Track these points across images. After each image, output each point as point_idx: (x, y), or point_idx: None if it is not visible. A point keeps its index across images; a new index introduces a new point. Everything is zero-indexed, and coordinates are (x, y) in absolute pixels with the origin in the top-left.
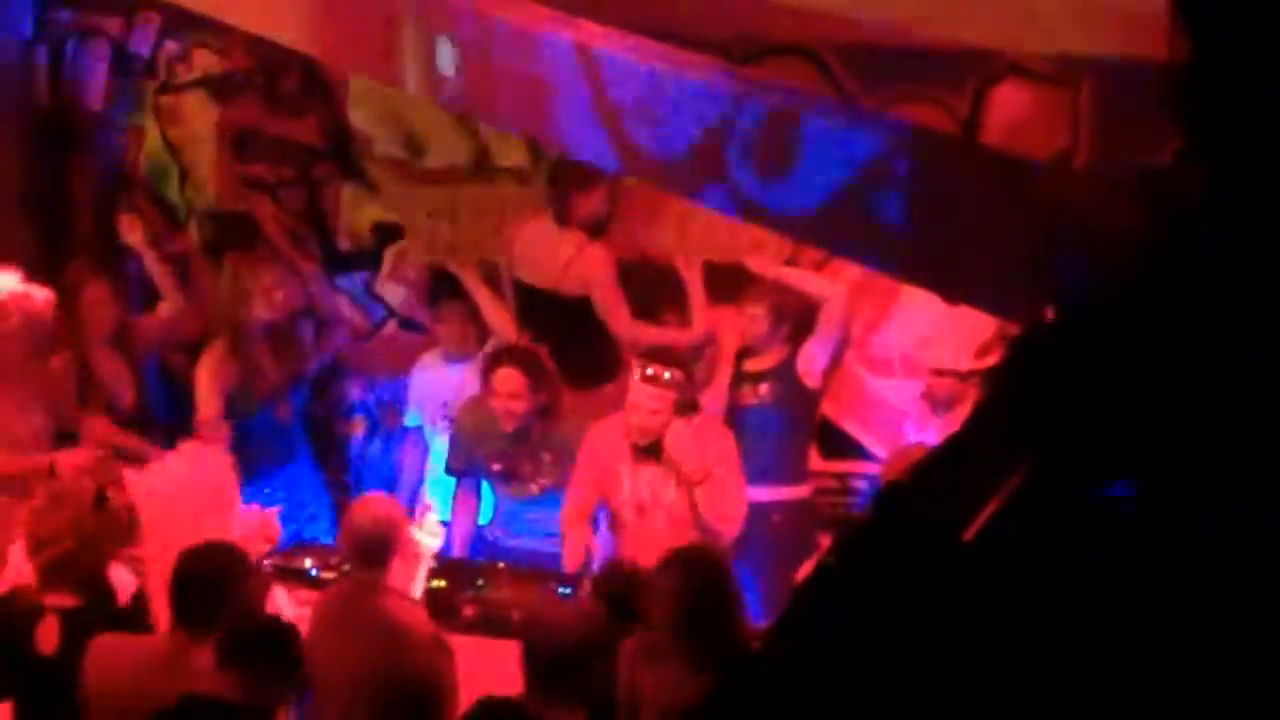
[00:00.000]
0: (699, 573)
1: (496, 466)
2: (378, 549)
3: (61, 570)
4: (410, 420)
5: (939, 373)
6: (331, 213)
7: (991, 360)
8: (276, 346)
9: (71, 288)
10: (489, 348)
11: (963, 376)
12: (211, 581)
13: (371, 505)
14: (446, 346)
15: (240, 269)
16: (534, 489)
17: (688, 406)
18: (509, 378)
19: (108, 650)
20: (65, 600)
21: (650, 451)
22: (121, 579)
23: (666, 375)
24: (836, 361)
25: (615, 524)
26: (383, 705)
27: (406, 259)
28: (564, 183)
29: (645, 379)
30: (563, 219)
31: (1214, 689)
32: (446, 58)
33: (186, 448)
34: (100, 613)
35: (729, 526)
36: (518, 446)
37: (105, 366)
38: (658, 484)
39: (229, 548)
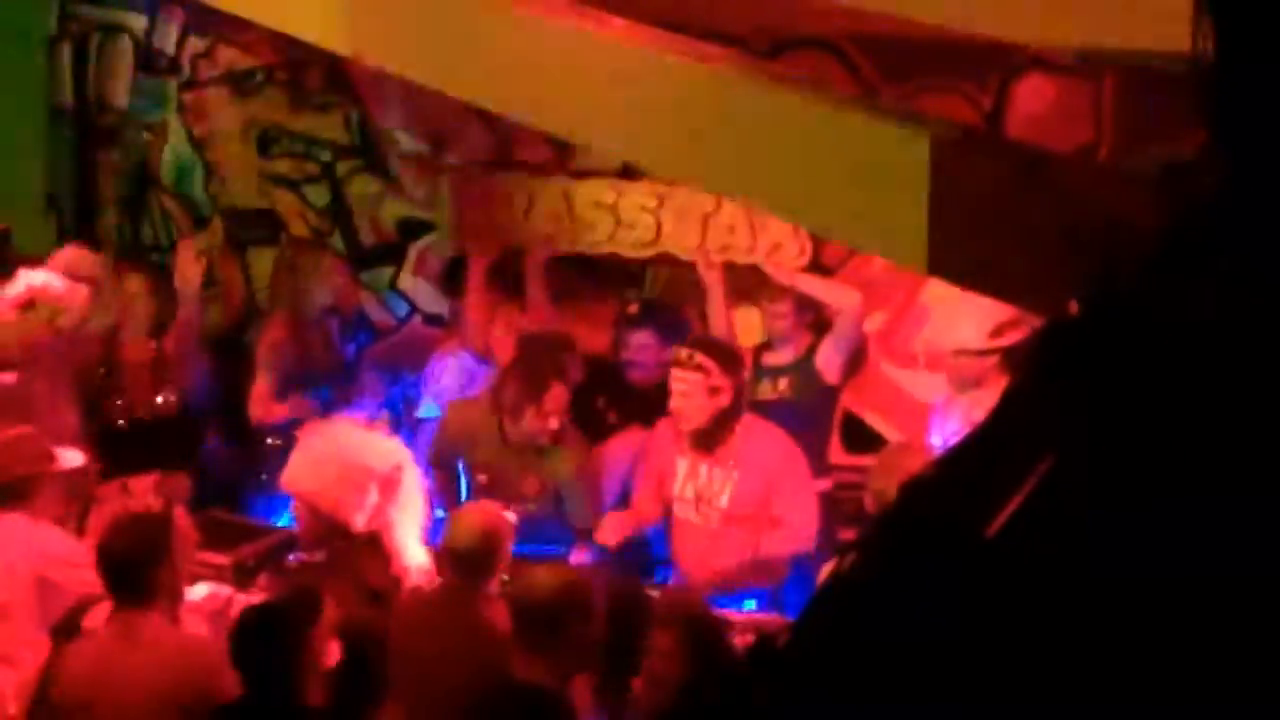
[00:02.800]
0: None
1: (481, 478)
2: (480, 559)
3: None
4: (425, 411)
5: (959, 353)
6: (356, 208)
7: (1009, 339)
8: (325, 334)
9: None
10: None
11: (981, 354)
12: (139, 554)
13: (476, 514)
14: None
15: (299, 255)
16: (518, 509)
17: (731, 410)
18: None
19: (70, 655)
20: None
21: (703, 444)
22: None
23: (696, 359)
24: (856, 360)
25: (672, 518)
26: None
27: (431, 254)
28: None
29: (675, 362)
30: None
31: (1243, 692)
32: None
33: None
34: None
35: (802, 541)
36: (508, 462)
37: (140, 361)
38: (718, 478)
39: (155, 517)
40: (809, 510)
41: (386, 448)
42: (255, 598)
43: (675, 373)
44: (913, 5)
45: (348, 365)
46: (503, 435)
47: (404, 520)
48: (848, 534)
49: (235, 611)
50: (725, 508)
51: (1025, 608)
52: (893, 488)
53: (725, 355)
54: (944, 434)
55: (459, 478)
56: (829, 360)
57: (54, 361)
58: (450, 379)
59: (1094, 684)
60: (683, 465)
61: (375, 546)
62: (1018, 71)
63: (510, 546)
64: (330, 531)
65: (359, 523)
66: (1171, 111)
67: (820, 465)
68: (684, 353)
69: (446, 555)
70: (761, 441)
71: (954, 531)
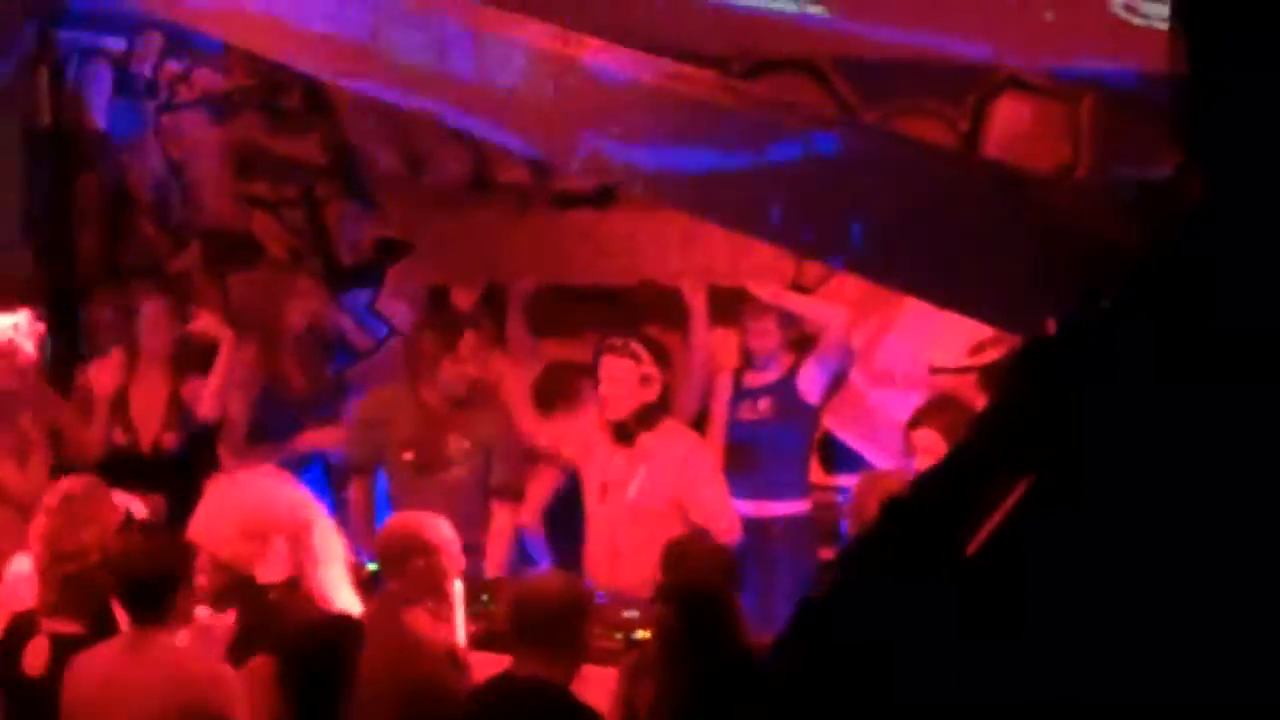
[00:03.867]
0: (691, 603)
1: (408, 455)
2: (401, 562)
3: (74, 589)
4: None
5: (936, 371)
6: (334, 230)
7: (986, 357)
8: (301, 357)
9: (130, 305)
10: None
11: (958, 371)
12: (161, 574)
13: (395, 522)
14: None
15: (274, 278)
16: (440, 478)
17: (658, 405)
18: (620, 365)
19: (81, 664)
20: (66, 626)
21: (624, 435)
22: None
23: (630, 348)
24: (837, 381)
25: (585, 507)
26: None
27: (410, 276)
28: None
29: (608, 349)
30: None
31: (1219, 704)
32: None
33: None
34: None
35: (726, 534)
36: (431, 429)
37: (151, 387)
38: (626, 469)
39: (174, 539)
40: (723, 513)
41: (294, 499)
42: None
43: (607, 360)
44: (889, 28)
45: (325, 387)
46: (421, 402)
47: (324, 571)
48: (827, 553)
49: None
50: (632, 498)
51: (1005, 627)
52: (873, 509)
53: (657, 348)
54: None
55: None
56: (812, 380)
57: (21, 407)
58: None
59: (1075, 700)
60: (595, 456)
61: (296, 594)
62: (995, 92)
63: (445, 555)
64: (233, 585)
65: (264, 575)
66: (1148, 132)
67: (801, 486)
68: (618, 341)
69: (381, 567)
70: (676, 440)
71: (933, 550)
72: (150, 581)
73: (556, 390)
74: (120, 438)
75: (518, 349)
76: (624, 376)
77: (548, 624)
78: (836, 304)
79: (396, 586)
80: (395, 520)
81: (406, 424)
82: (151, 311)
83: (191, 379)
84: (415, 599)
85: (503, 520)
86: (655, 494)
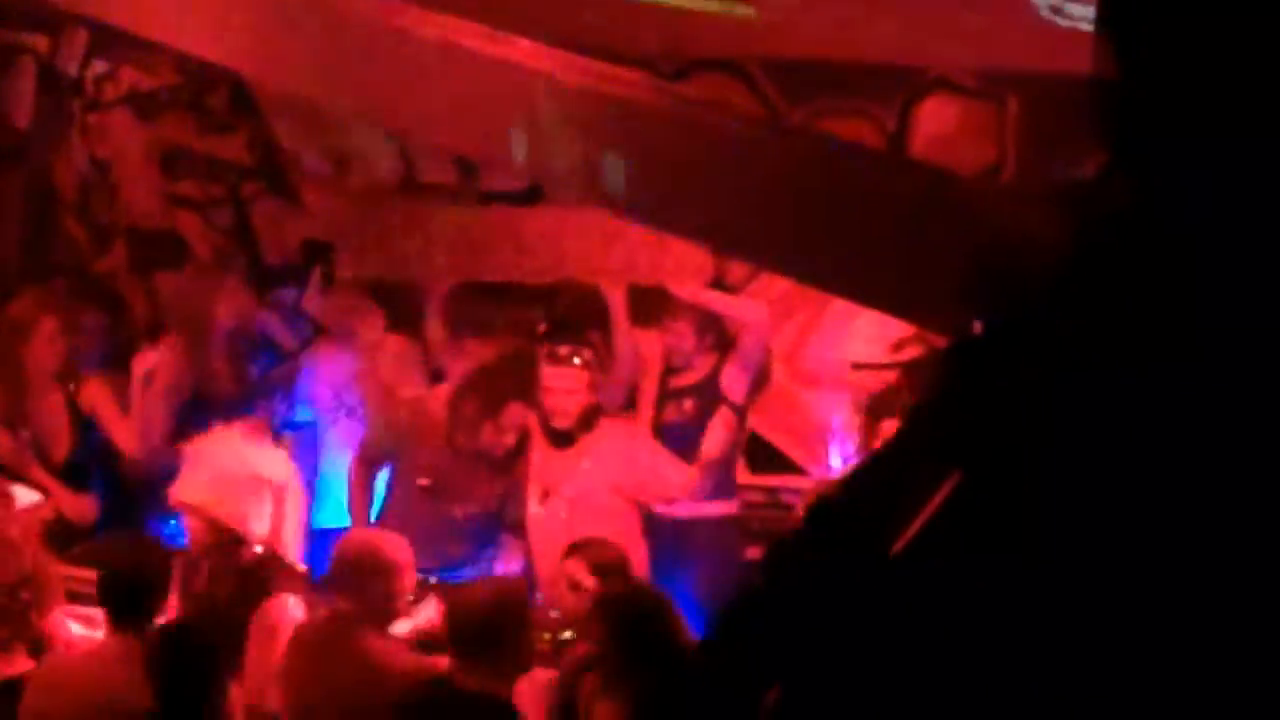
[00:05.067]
0: (629, 616)
1: (423, 481)
2: (364, 584)
3: (10, 624)
4: (300, 415)
5: (858, 366)
6: (260, 230)
7: (908, 354)
8: (229, 357)
9: (19, 325)
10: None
11: (880, 367)
12: (146, 581)
13: (362, 540)
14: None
15: (201, 275)
16: (457, 512)
17: (597, 406)
18: (568, 375)
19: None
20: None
21: (564, 439)
22: (65, 632)
23: (575, 359)
24: (759, 380)
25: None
26: None
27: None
28: None
29: (552, 359)
30: None
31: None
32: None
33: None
34: None
35: (681, 489)
36: (457, 468)
37: (45, 406)
38: (565, 471)
39: (154, 545)
40: (669, 476)
41: (277, 457)
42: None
43: (554, 370)
44: (816, 28)
45: (250, 387)
46: (452, 443)
47: (288, 531)
48: (755, 553)
49: None
50: (573, 496)
51: (932, 624)
52: None
53: (593, 349)
54: (843, 455)
55: (377, 477)
56: (733, 380)
57: None
58: (334, 376)
59: (1001, 703)
60: (534, 461)
61: (273, 557)
62: (921, 93)
63: (407, 576)
64: (225, 543)
65: (258, 531)
66: (1074, 132)
67: (727, 487)
68: (563, 350)
69: (327, 580)
70: (615, 430)
71: (858, 550)
72: (137, 588)
73: (493, 394)
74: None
75: (437, 348)
76: (572, 387)
77: (481, 631)
78: (756, 302)
79: (349, 605)
80: (358, 538)
81: (430, 449)
82: (45, 331)
83: (88, 381)
84: (368, 620)
85: (514, 553)
86: (597, 488)
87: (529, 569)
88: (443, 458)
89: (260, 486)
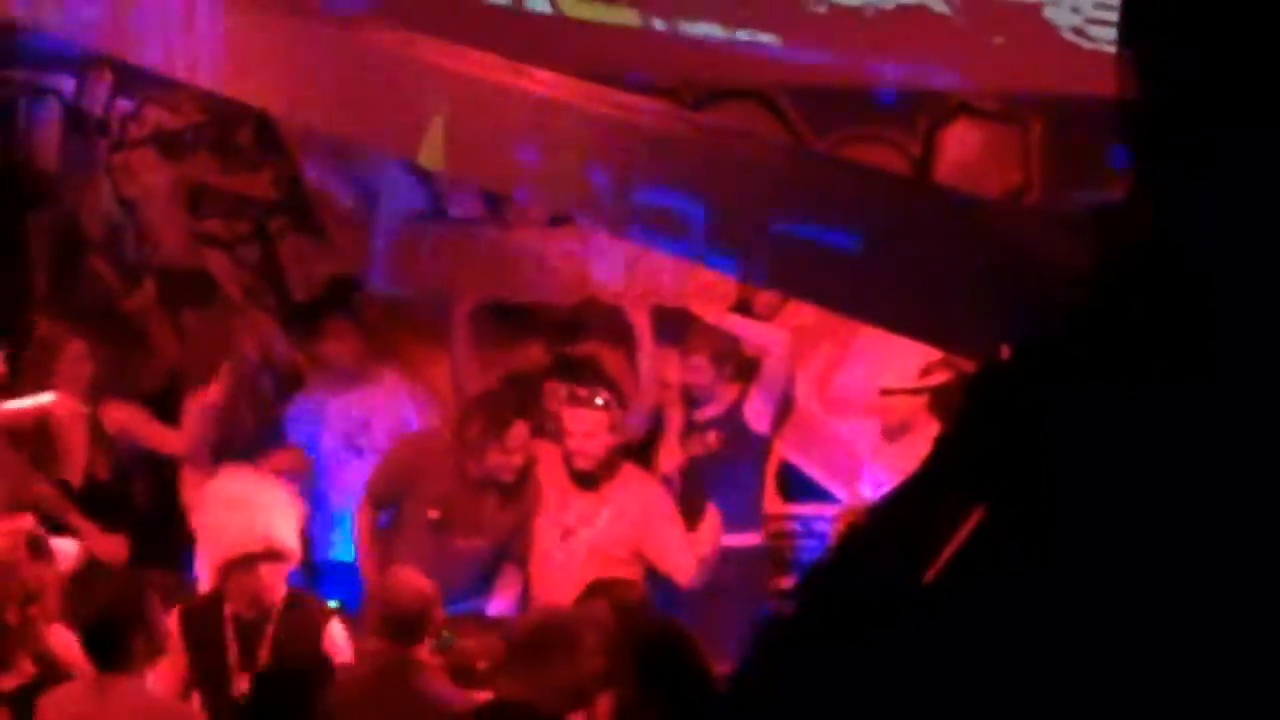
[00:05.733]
0: (655, 650)
1: (433, 514)
2: (413, 625)
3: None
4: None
5: (886, 392)
6: (287, 266)
7: (936, 379)
8: (253, 391)
9: (48, 344)
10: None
11: (909, 393)
12: (119, 617)
13: (406, 580)
14: (337, 365)
15: (228, 314)
16: (463, 545)
17: (620, 448)
18: (590, 418)
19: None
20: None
21: (587, 481)
22: (65, 640)
23: (597, 400)
24: (784, 408)
25: (535, 549)
26: None
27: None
28: None
29: (573, 401)
30: None
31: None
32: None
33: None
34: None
35: (683, 576)
36: (466, 497)
37: (70, 429)
38: (587, 513)
39: (134, 580)
40: (682, 557)
41: (286, 500)
42: None
43: (575, 413)
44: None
45: (273, 421)
46: (462, 471)
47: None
48: (785, 582)
49: None
50: (591, 541)
51: (966, 651)
52: None
53: (620, 394)
54: (874, 483)
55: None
56: (758, 410)
57: None
58: (347, 412)
59: None
60: (554, 499)
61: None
62: (946, 118)
63: (439, 610)
64: (285, 605)
65: (290, 559)
66: (1099, 155)
67: (752, 518)
68: (583, 392)
69: (375, 622)
70: (637, 486)
71: (891, 577)
72: (108, 627)
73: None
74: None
75: (463, 364)
76: (594, 430)
77: (528, 660)
78: (777, 328)
79: (405, 651)
80: (410, 581)
81: (440, 481)
82: (72, 352)
83: (111, 404)
84: (413, 658)
85: (512, 582)
86: (616, 540)
87: (526, 601)
88: (452, 489)
89: (278, 522)
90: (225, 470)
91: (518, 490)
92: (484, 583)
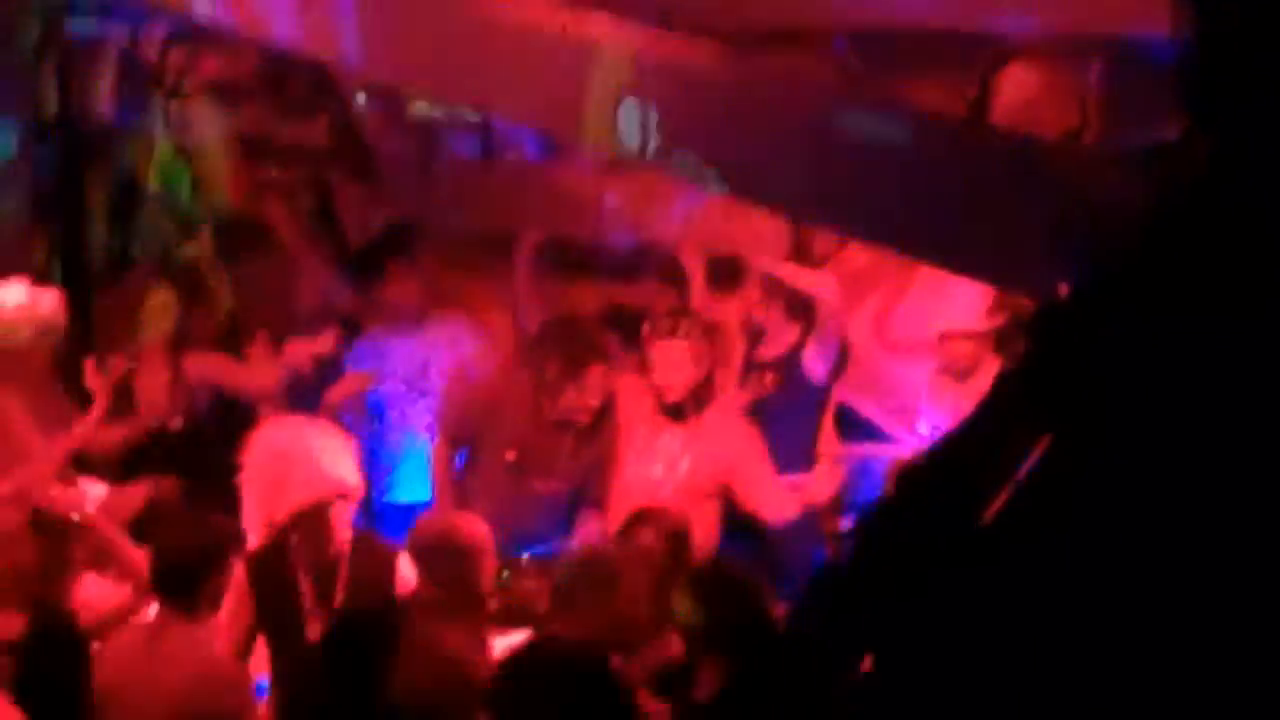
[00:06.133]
0: (721, 590)
1: (509, 454)
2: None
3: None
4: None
5: (948, 336)
6: (343, 213)
7: (994, 322)
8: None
9: (135, 292)
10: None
11: (971, 337)
12: (193, 559)
13: (436, 521)
14: (399, 308)
15: (285, 261)
16: (541, 488)
17: (707, 381)
18: (674, 349)
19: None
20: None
21: (678, 414)
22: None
23: (680, 331)
24: (840, 356)
25: (617, 486)
26: None
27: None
28: None
29: (657, 334)
30: None
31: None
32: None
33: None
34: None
35: (773, 514)
36: (542, 439)
37: (151, 378)
38: (675, 448)
39: (211, 525)
40: (772, 496)
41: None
42: None
43: (662, 344)
44: None
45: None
46: (537, 406)
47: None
48: (842, 523)
49: None
50: (679, 476)
51: (1024, 591)
52: None
53: (704, 326)
54: (931, 422)
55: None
56: (814, 358)
57: (35, 377)
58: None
59: (1094, 667)
60: (641, 435)
61: None
62: (1002, 59)
63: (488, 559)
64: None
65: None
66: (1156, 96)
67: (808, 459)
68: (666, 323)
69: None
70: (725, 421)
71: (951, 514)
72: (188, 567)
73: (573, 356)
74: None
75: (525, 300)
76: (680, 360)
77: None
78: (827, 276)
79: (433, 593)
80: (438, 521)
81: (516, 422)
82: (156, 301)
83: (193, 354)
84: (455, 610)
85: (590, 528)
86: (704, 475)
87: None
88: (528, 430)
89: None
90: (271, 421)
91: (595, 432)
92: (563, 525)
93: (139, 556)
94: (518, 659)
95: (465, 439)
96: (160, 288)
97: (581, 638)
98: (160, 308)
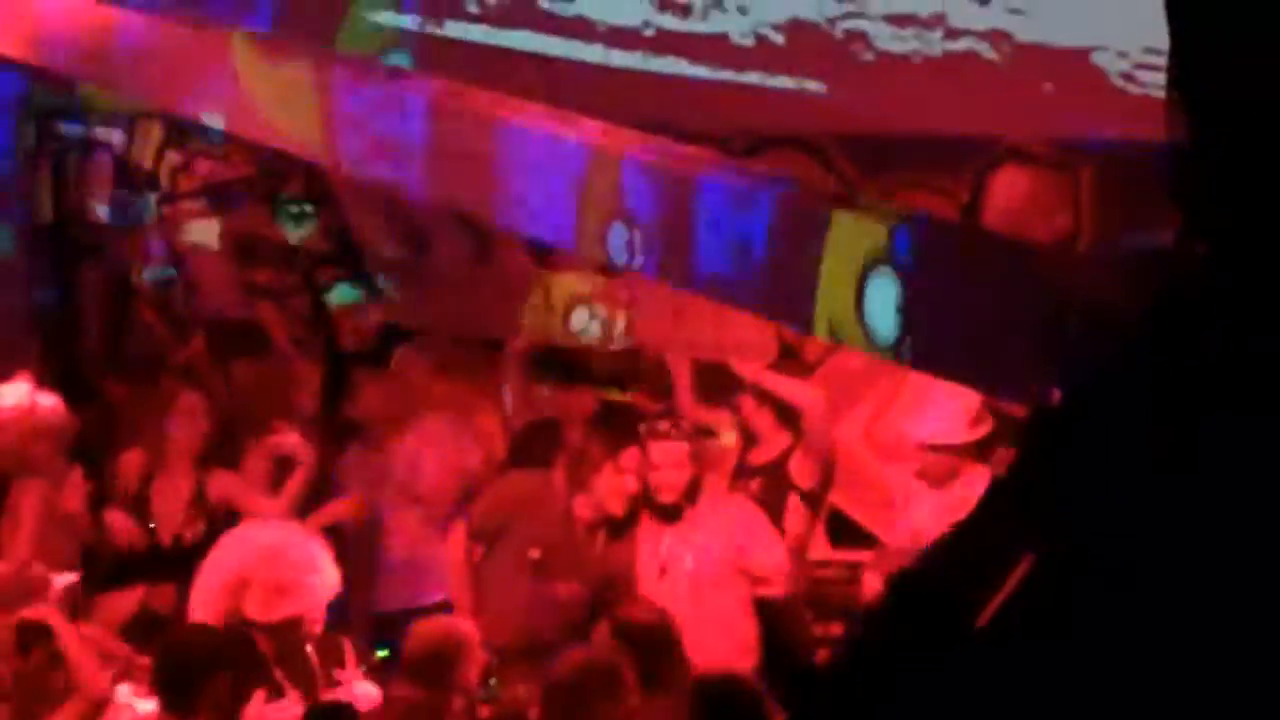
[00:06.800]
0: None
1: (534, 553)
2: (441, 670)
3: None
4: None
5: (934, 449)
6: (337, 317)
7: (982, 430)
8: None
9: (163, 399)
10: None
11: (957, 450)
12: (193, 665)
13: (437, 624)
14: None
15: (278, 366)
16: (561, 591)
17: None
18: (673, 449)
19: None
20: None
21: (671, 514)
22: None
23: (679, 427)
24: (828, 464)
25: (627, 591)
26: None
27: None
28: None
29: (655, 435)
30: None
31: None
32: None
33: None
34: None
35: (778, 579)
36: (568, 539)
37: (172, 487)
38: (679, 545)
39: (212, 630)
40: (783, 561)
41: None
42: None
43: (659, 446)
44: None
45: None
46: (567, 508)
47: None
48: (833, 629)
49: None
50: (691, 572)
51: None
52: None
53: (693, 425)
54: (917, 528)
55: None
56: (802, 467)
57: (50, 474)
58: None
59: None
60: (644, 534)
61: None
62: (994, 163)
63: (477, 657)
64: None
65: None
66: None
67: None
68: (663, 425)
69: (407, 664)
70: (722, 504)
71: (941, 624)
72: (185, 673)
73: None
74: (138, 532)
75: (516, 406)
76: (679, 460)
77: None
78: (813, 387)
79: (432, 698)
80: (441, 624)
81: (543, 522)
82: (185, 405)
83: (218, 473)
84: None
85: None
86: (715, 562)
87: None
88: (555, 528)
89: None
90: (256, 522)
91: (622, 532)
92: (575, 633)
93: (96, 673)
94: None
95: (487, 533)
96: (189, 392)
97: None
98: (188, 412)
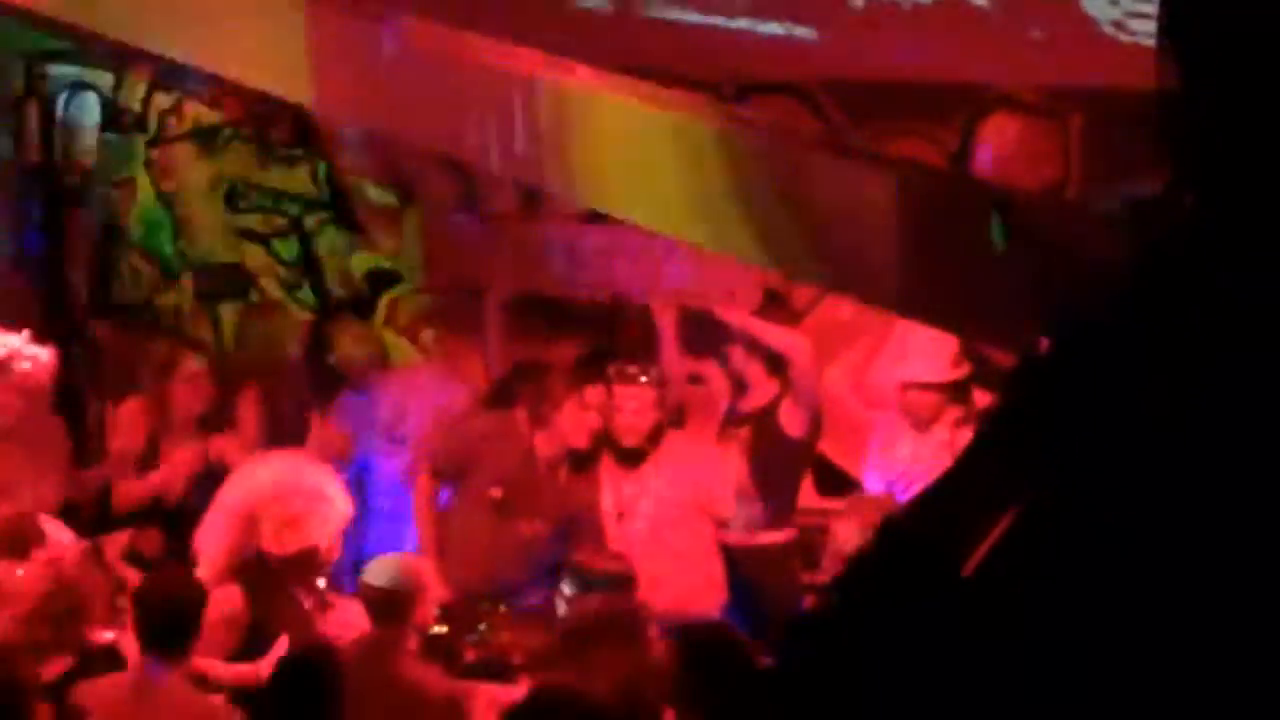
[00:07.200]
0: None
1: (494, 492)
2: (395, 606)
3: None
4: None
5: (908, 387)
6: (325, 261)
7: (962, 371)
8: (297, 389)
9: (162, 363)
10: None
11: (938, 389)
12: (175, 608)
13: (390, 560)
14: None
15: (266, 310)
16: (524, 529)
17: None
18: (637, 394)
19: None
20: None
21: (634, 457)
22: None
23: (643, 377)
24: (816, 413)
25: (590, 530)
26: None
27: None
28: None
29: (622, 378)
30: None
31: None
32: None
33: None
34: None
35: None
36: (530, 477)
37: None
38: (638, 491)
39: (190, 573)
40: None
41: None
42: None
43: (626, 390)
44: (876, 49)
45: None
46: (529, 446)
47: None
48: (820, 577)
49: None
50: (650, 516)
51: (1005, 643)
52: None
53: (660, 371)
54: (901, 475)
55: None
56: (791, 415)
57: (29, 427)
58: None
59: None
60: (605, 482)
61: None
62: (983, 111)
63: (431, 595)
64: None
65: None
66: (1138, 149)
67: (785, 515)
68: (632, 369)
69: (364, 601)
70: (682, 448)
71: (929, 570)
72: (170, 619)
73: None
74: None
75: (495, 354)
76: (643, 405)
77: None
78: (799, 335)
79: (390, 632)
80: (399, 563)
81: (505, 460)
82: (187, 372)
83: (217, 437)
84: (402, 644)
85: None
86: (676, 505)
87: None
88: (518, 467)
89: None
90: (258, 459)
91: (584, 469)
92: (540, 572)
93: None
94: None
95: (450, 473)
96: (190, 357)
97: (585, 688)
98: (189, 379)
